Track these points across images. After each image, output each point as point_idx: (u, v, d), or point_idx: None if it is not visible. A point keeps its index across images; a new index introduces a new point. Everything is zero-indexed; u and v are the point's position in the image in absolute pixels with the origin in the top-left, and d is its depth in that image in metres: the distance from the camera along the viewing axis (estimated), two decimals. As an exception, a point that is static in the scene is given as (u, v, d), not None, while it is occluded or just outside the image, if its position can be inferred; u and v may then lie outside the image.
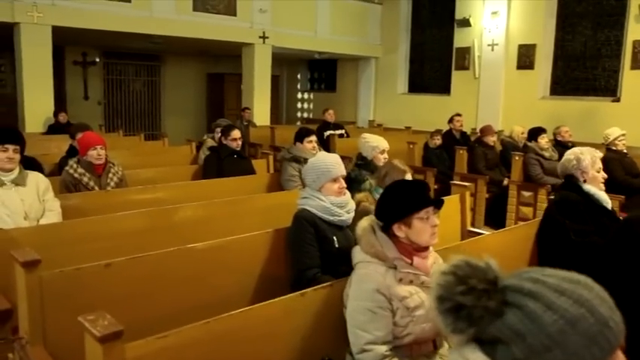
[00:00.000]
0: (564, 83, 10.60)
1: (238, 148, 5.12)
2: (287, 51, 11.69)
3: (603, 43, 10.07)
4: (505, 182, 6.72)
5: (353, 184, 4.08)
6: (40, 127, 8.09)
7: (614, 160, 5.99)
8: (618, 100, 9.67)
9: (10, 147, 3.24)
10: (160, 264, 2.41)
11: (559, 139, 6.79)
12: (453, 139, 7.84)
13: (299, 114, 15.41)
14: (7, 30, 8.08)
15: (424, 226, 2.01)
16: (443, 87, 12.24)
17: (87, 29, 8.50)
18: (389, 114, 12.97)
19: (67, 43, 10.97)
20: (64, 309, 2.09)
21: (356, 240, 2.87)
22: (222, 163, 4.97)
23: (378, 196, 3.07)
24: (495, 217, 6.61)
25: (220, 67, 14.10)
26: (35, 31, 7.95)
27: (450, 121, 8.19)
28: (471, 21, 11.29)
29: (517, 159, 6.47)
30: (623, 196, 5.51)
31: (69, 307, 2.10)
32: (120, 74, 12.71)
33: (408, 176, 3.17)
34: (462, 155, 6.94)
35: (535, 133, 6.45)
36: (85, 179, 3.97)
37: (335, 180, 2.84)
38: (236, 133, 5.07)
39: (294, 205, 3.94)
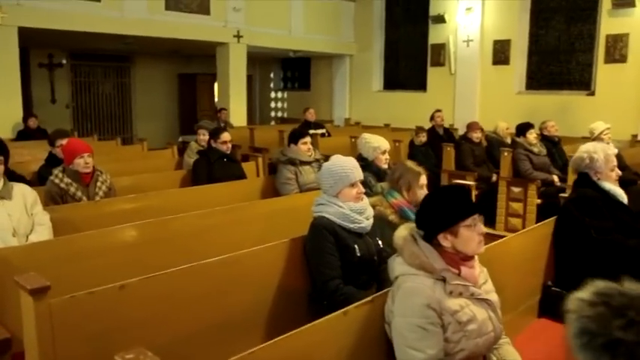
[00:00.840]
0: (539, 78, 10.69)
1: (229, 151, 4.92)
2: (260, 50, 11.47)
3: (577, 38, 10.18)
4: (494, 178, 6.69)
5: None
6: (8, 133, 7.67)
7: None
8: (593, 94, 9.80)
9: None
10: (174, 283, 2.21)
11: (545, 133, 6.79)
12: (436, 135, 7.78)
13: (273, 113, 15.19)
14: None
15: (471, 235, 1.88)
16: (419, 84, 12.20)
17: (54, 30, 8.12)
18: (365, 112, 12.88)
19: (32, 45, 10.50)
20: (77, 337, 1.90)
21: (377, 247, 2.75)
22: (213, 168, 4.76)
23: (393, 200, 2.96)
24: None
25: (192, 68, 13.78)
26: (0, 32, 7.54)
27: (432, 118, 8.14)
28: (446, 17, 11.28)
29: (506, 155, 6.44)
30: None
31: (82, 334, 1.91)
32: (88, 76, 12.27)
33: (423, 178, 3.04)
34: (449, 152, 6.88)
35: (523, 128, 6.42)
36: (72, 189, 3.71)
37: (353, 185, 2.69)
38: (226, 136, 4.86)
39: (297, 210, 3.82)
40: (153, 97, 13.30)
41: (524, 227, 6.25)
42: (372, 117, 12.28)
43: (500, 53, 10.78)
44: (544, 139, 6.71)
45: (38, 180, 4.53)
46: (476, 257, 1.98)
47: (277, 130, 8.85)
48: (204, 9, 9.98)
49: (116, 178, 4.49)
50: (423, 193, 3.01)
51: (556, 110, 9.84)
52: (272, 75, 15.23)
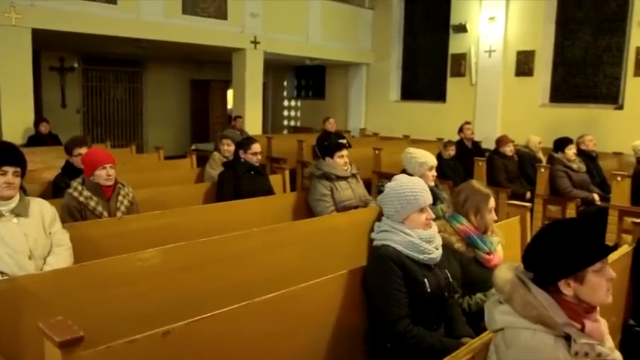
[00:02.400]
0: (564, 90, 10.36)
1: (258, 164, 4.59)
2: (276, 57, 11.17)
3: (604, 50, 9.86)
4: (528, 195, 6.34)
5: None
6: (18, 138, 7.38)
7: (651, 173, 5.66)
8: (621, 108, 9.45)
9: (10, 169, 2.65)
10: (224, 324, 1.88)
11: (583, 148, 6.46)
12: (465, 149, 7.44)
13: (285, 122, 14.89)
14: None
15: (600, 281, 1.54)
16: (438, 94, 11.88)
17: (66, 32, 7.84)
18: (381, 122, 12.56)
19: (43, 48, 10.23)
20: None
21: (446, 281, 2.40)
22: (240, 181, 4.42)
23: (458, 225, 2.61)
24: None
25: (205, 74, 13.50)
26: (13, 33, 7.26)
27: (460, 130, 7.80)
28: (467, 26, 10.98)
29: (543, 171, 6.10)
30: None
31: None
32: (100, 81, 11.99)
33: (492, 201, 2.71)
34: (480, 167, 6.54)
35: (562, 143, 6.09)
36: (92, 204, 3.37)
37: (422, 210, 2.36)
38: (257, 147, 4.53)
39: (339, 231, 3.48)
40: (164, 103, 13.01)
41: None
42: (389, 128, 11.97)
43: (524, 64, 10.47)
44: (581, 154, 6.37)
45: (53, 190, 4.20)
46: (597, 308, 1.63)
47: (296, 140, 8.51)
48: (221, 14, 9.70)
49: (134, 190, 4.16)
50: (492, 217, 2.68)
51: (582, 124, 9.50)
52: (285, 83, 14.94)
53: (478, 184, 2.78)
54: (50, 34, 7.79)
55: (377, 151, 7.36)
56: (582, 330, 1.54)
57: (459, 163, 7.13)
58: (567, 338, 1.53)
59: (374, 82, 12.94)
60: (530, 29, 10.32)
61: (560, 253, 1.54)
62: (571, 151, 6.03)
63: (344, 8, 12.09)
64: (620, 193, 5.59)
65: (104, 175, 3.42)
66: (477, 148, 7.70)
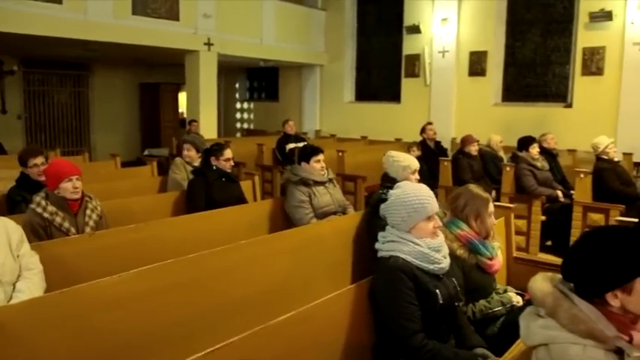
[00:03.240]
0: (516, 90, 10.62)
1: (230, 170, 4.38)
2: (228, 59, 10.91)
3: (553, 50, 10.16)
4: (493, 194, 6.38)
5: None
6: (-43, 147, 6.88)
7: (608, 170, 5.81)
8: (570, 106, 9.75)
9: None
10: (241, 352, 1.70)
11: (545, 146, 6.56)
12: (428, 149, 7.45)
13: (238, 124, 14.60)
14: None
15: (648, 291, 1.46)
16: (392, 95, 11.94)
17: (7, 33, 7.33)
18: (336, 123, 12.50)
19: (-20, 51, 9.63)
20: None
21: (455, 290, 2.30)
22: (212, 189, 4.21)
23: (458, 231, 2.53)
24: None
25: (154, 77, 13.07)
26: (-51, 36, 6.76)
27: (423, 131, 7.81)
28: (421, 28, 11.07)
29: (508, 170, 6.16)
30: (623, 206, 5.33)
31: None
32: (42, 84, 11.37)
33: (492, 205, 2.63)
34: (446, 167, 6.55)
35: (526, 142, 6.17)
36: (58, 220, 3.09)
37: (429, 218, 2.25)
38: (229, 153, 4.33)
39: (324, 240, 3.35)
40: (112, 107, 12.50)
41: (528, 245, 5.98)
42: (344, 129, 11.93)
43: (477, 64, 10.65)
44: (543, 152, 6.47)
45: (7, 205, 3.86)
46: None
47: (255, 143, 8.30)
48: (173, 14, 9.37)
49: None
50: (492, 222, 2.61)
51: (533, 122, 9.76)
52: (237, 85, 14.66)
53: (476, 188, 2.71)
54: (-13, 36, 7.29)
55: (340, 154, 7.26)
56: (630, 342, 1.47)
57: (423, 163, 7.12)
58: (618, 352, 1.45)
59: (328, 83, 12.87)
60: (482, 30, 10.51)
61: (608, 264, 1.46)
62: (535, 149, 6.12)
63: (297, 9, 11.96)
64: (583, 190, 5.72)
65: (70, 187, 3.14)
66: (439, 149, 7.72)
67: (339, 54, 12.59)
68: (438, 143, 7.80)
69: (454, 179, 6.56)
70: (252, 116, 14.45)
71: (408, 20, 11.30)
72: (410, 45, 11.40)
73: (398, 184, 2.40)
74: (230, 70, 14.07)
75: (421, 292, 2.14)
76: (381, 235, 2.34)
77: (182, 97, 13.62)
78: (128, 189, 4.79)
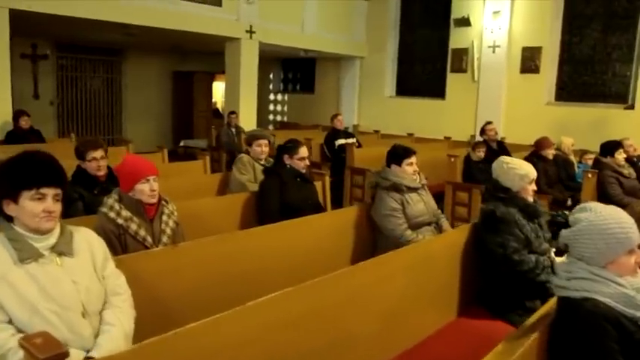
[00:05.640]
0: (571, 89, 10.05)
1: (304, 170, 3.92)
2: (268, 47, 10.42)
3: (614, 47, 9.56)
4: (569, 202, 5.87)
5: (500, 225, 3.02)
6: (-6, 134, 6.51)
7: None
8: (632, 107, 9.16)
9: (50, 192, 1.90)
10: None
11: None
12: (491, 150, 6.92)
13: (271, 117, 14.14)
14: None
15: None
16: (436, 90, 11.41)
17: (44, 15, 6.92)
18: (375, 118, 12.01)
19: (14, 33, 9.20)
20: None
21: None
22: (287, 190, 3.75)
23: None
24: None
25: (188, 65, 12.65)
26: (-13, 15, 6.37)
27: (483, 131, 7.29)
28: (471, 20, 10.52)
29: (590, 177, 5.63)
30: None
31: None
32: (75, 70, 10.98)
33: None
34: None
35: (611, 147, 5.64)
36: (134, 227, 2.65)
37: (631, 251, 1.76)
38: (304, 151, 3.87)
39: (434, 258, 2.89)
40: (145, 95, 12.09)
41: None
42: (384, 124, 11.44)
43: (530, 61, 10.10)
44: (621, 158, 5.93)
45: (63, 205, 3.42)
46: None
47: (304, 138, 7.82)
48: (216, 0, 8.91)
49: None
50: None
51: (589, 124, 9.23)
52: (271, 76, 14.18)
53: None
54: (22, 17, 6.84)
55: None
56: None
57: (487, 165, 6.62)
58: None
59: (368, 76, 12.37)
60: (536, 25, 9.94)
61: None
62: (621, 155, 5.59)
63: (339, -1, 11.45)
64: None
65: (147, 190, 2.69)
66: (501, 148, 7.19)
67: (380, 46, 12.07)
68: (500, 143, 7.29)
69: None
70: (285, 108, 13.98)
71: (456, 12, 10.76)
72: (457, 38, 10.86)
73: (586, 205, 1.92)
74: (264, 60, 13.57)
75: (629, 348, 1.66)
76: (561, 268, 1.86)
77: (216, 87, 13.21)
78: (184, 188, 4.33)
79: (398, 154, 3.65)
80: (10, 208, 1.88)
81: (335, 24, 11.35)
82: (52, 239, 1.93)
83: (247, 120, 9.60)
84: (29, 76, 10.13)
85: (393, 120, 11.53)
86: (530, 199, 3.18)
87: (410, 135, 10.07)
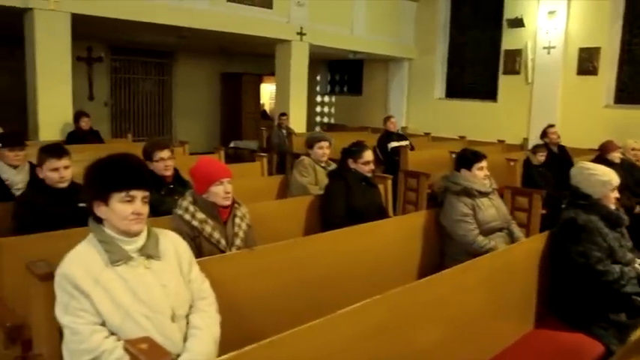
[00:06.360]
0: (632, 91, 9.66)
1: (370, 174, 3.86)
2: (317, 49, 10.39)
3: (678, 48, 9.14)
4: (637, 209, 5.62)
5: (581, 234, 2.88)
6: (56, 134, 6.67)
7: None
8: (698, 112, 8.73)
9: (139, 194, 1.89)
10: None
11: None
12: (552, 155, 6.70)
13: (318, 118, 14.13)
14: (17, 17, 6.63)
15: None
16: (488, 92, 11.18)
17: (101, 18, 7.09)
18: (424, 120, 11.85)
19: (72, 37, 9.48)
20: None
21: None
22: (352, 194, 3.69)
23: None
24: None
25: (236, 66, 12.77)
26: (52, 19, 6.57)
27: (544, 134, 7.06)
28: (524, 21, 10.25)
29: (661, 183, 5.36)
30: None
31: None
32: (128, 72, 11.23)
33: None
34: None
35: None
36: (208, 229, 2.64)
37: None
38: (369, 154, 3.80)
39: (513, 265, 2.77)
40: (194, 96, 12.27)
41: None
42: (433, 126, 11.25)
43: (587, 62, 9.76)
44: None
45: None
46: None
47: (356, 139, 7.75)
48: (267, 2, 8.94)
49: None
50: None
51: (651, 128, 8.83)
52: (318, 77, 14.17)
53: None
54: (80, 20, 7.01)
55: (454, 155, 6.60)
56: None
57: (547, 170, 6.41)
58: None
59: (417, 78, 12.22)
60: (594, 25, 9.60)
61: None
62: (695, 160, 5.31)
63: (387, 0, 11.31)
64: None
65: (222, 192, 2.67)
66: (563, 153, 6.95)
67: (429, 48, 11.91)
68: (562, 148, 7.03)
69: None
70: (332, 110, 13.95)
71: (509, 13, 10.51)
72: (510, 39, 10.61)
73: None
74: (311, 61, 13.58)
75: None
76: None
77: (263, 88, 13.29)
78: (243, 191, 4.28)
79: (468, 159, 3.54)
80: (100, 210, 1.88)
81: (384, 26, 11.25)
82: (140, 242, 1.91)
83: (297, 122, 9.60)
84: (85, 78, 10.40)
85: (443, 122, 11.35)
86: (613, 206, 3.03)
87: (462, 138, 9.87)
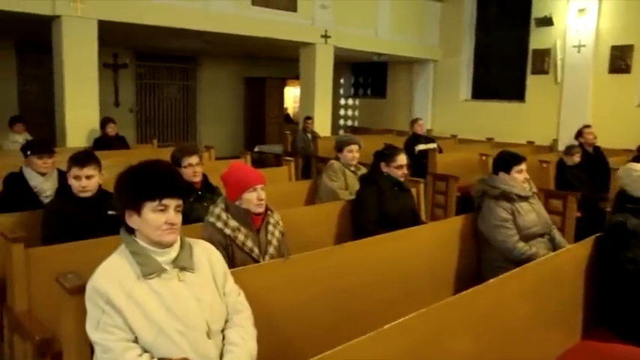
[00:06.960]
0: (667, 89, 9.33)
1: (403, 179, 3.75)
2: (341, 52, 10.30)
3: None
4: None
5: (631, 239, 2.73)
6: (83, 141, 6.70)
7: None
8: None
9: (172, 203, 1.79)
10: None
11: None
12: (587, 156, 6.49)
13: (342, 122, 14.03)
14: (45, 25, 6.68)
15: None
16: (515, 93, 10.94)
17: (127, 24, 7.10)
18: (450, 122, 11.65)
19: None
20: None
21: None
22: (385, 199, 3.58)
23: None
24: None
25: (259, 71, 12.76)
26: (79, 25, 6.59)
27: (579, 134, 6.85)
28: (553, 19, 10.01)
29: None
30: None
31: None
32: (152, 78, 11.29)
33: None
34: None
35: None
36: (241, 237, 2.56)
37: None
38: (403, 158, 3.70)
39: (559, 274, 2.63)
40: (218, 101, 12.30)
41: None
42: (459, 128, 11.05)
43: (619, 60, 9.48)
44: None
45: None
46: None
47: (383, 143, 7.63)
48: (291, 5, 8.89)
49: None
50: None
51: (687, 127, 8.55)
52: (342, 80, 14.07)
53: None
54: (106, 27, 7.03)
55: (484, 157, 6.47)
56: None
57: (581, 171, 6.21)
58: None
59: (442, 79, 12.03)
60: (627, 22, 9.32)
61: None
62: None
63: (412, 1, 11.17)
64: None
65: (255, 199, 2.59)
66: (598, 154, 6.73)
67: (455, 49, 11.72)
68: (597, 148, 6.81)
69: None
70: (356, 113, 13.85)
71: (537, 12, 10.27)
72: (539, 39, 10.37)
73: None
74: (334, 64, 13.54)
75: None
76: None
77: (287, 92, 13.25)
78: (272, 196, 4.21)
79: (506, 162, 3.41)
80: (132, 220, 1.80)
81: (408, 27, 11.12)
82: (174, 253, 1.83)
83: (322, 125, 9.53)
84: (110, 84, 10.48)
85: (469, 124, 11.16)
86: (662, 210, 2.87)
87: (489, 139, 9.68)
